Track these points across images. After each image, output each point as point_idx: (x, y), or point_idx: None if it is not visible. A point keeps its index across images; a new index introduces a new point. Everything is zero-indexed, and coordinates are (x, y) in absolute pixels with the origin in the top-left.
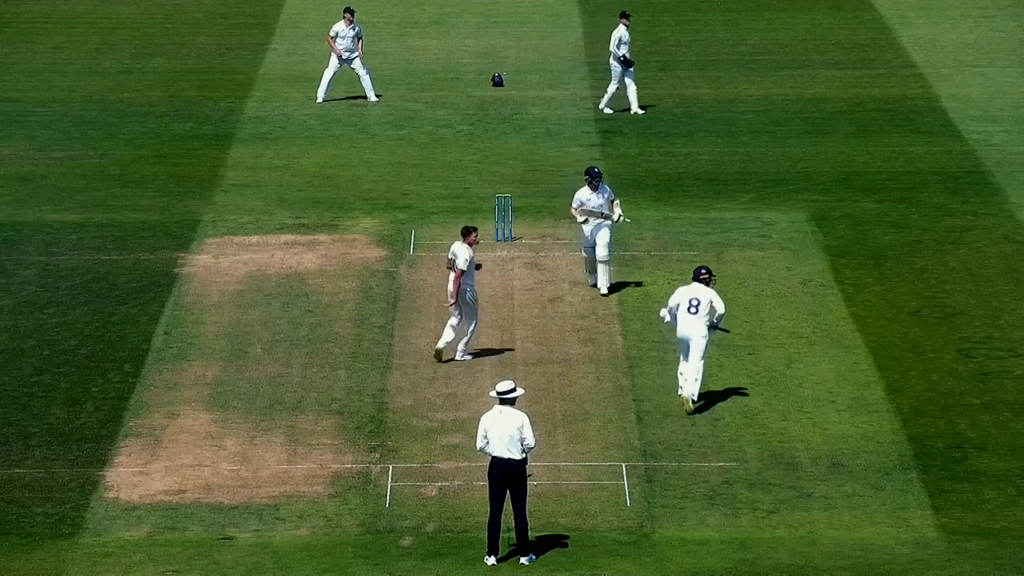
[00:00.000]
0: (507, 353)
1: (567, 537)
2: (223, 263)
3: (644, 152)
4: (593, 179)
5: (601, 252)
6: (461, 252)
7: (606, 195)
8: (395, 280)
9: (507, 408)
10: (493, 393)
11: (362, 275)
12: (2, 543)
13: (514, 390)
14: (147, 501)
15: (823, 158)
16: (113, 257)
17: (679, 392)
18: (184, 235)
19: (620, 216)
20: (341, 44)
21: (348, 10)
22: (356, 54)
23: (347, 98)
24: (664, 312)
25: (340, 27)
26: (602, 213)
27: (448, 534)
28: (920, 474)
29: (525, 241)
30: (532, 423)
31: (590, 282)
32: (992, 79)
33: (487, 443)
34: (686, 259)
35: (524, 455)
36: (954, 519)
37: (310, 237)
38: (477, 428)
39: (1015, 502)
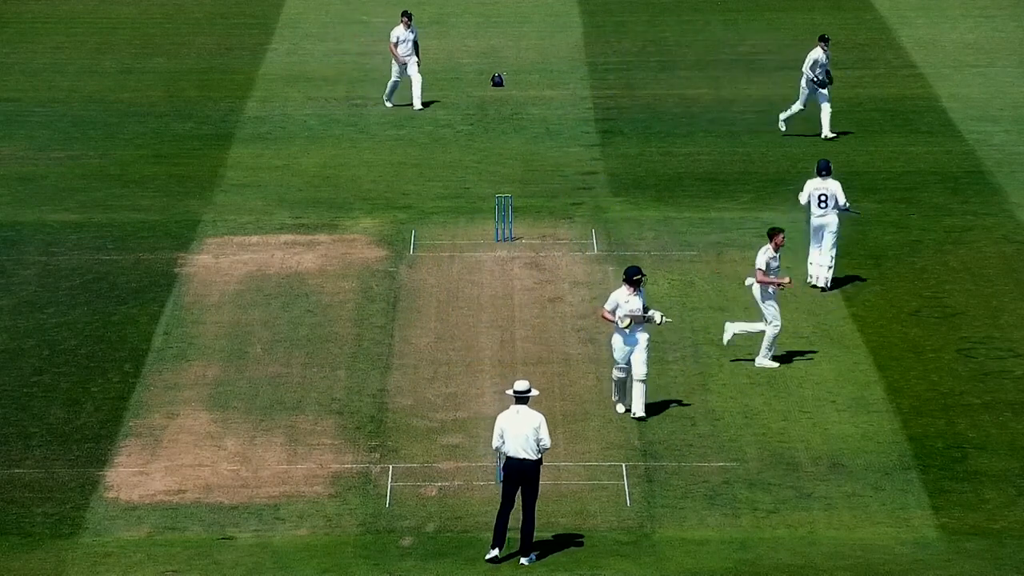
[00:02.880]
0: (505, 353)
1: (567, 537)
2: (223, 263)
3: (644, 152)
4: (631, 279)
5: (640, 371)
6: (759, 254)
7: (643, 298)
8: (395, 280)
9: (524, 408)
10: (510, 392)
11: (362, 275)
12: (2, 543)
13: (530, 390)
14: (147, 501)
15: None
16: (113, 257)
17: (808, 280)
18: (184, 235)
19: (662, 315)
20: (403, 49)
21: (406, 13)
22: (414, 58)
23: (347, 98)
24: (803, 201)
25: (400, 32)
26: (644, 317)
27: (448, 534)
28: (920, 474)
29: (525, 241)
30: (548, 424)
31: (619, 408)
32: (992, 79)
33: (503, 443)
34: (686, 259)
35: (539, 455)
36: (954, 519)
37: (310, 237)
38: (493, 427)
39: (1015, 502)
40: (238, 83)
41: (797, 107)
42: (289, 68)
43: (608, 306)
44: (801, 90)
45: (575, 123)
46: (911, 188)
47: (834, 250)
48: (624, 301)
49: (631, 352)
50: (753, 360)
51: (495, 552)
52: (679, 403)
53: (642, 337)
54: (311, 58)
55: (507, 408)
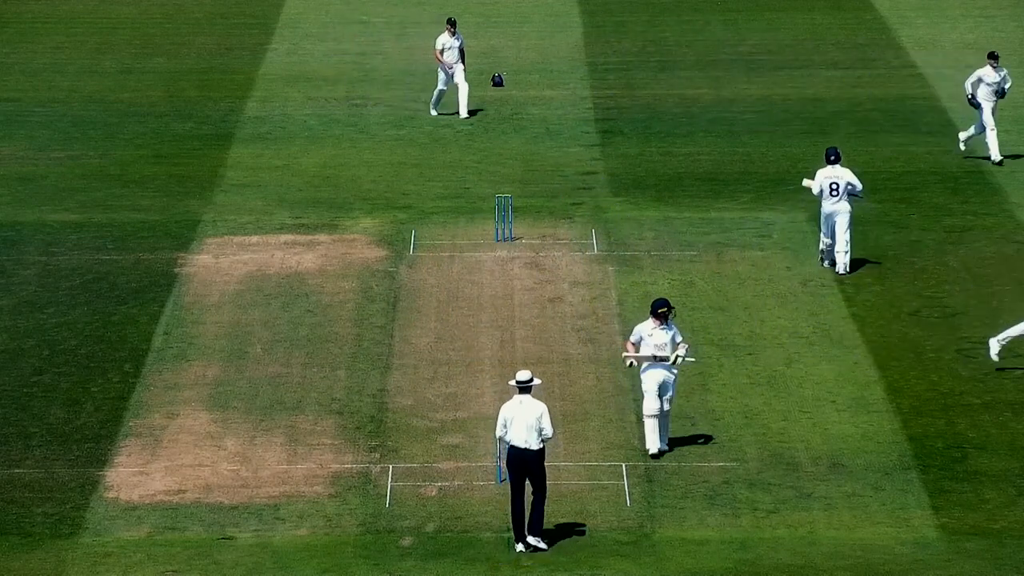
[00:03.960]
0: (505, 353)
1: (567, 536)
2: (223, 263)
3: (644, 152)
4: (656, 312)
5: (667, 405)
6: None
7: (672, 332)
8: (395, 280)
9: (527, 398)
10: (512, 382)
11: (362, 275)
12: (2, 543)
13: (532, 379)
14: (147, 501)
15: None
16: (113, 257)
17: (821, 263)
18: (184, 235)
19: (682, 358)
20: (448, 56)
21: (450, 21)
22: (460, 66)
23: (347, 98)
24: (815, 190)
25: (445, 39)
26: (655, 357)
27: (448, 534)
28: (920, 474)
29: (525, 241)
30: (551, 413)
31: (653, 448)
32: None
33: (506, 432)
34: (686, 259)
35: (542, 444)
36: (954, 519)
37: (310, 237)
38: (497, 416)
39: (1015, 502)
40: (238, 83)
41: (991, 132)
42: (289, 68)
43: (632, 339)
44: (980, 109)
45: (575, 123)
46: (911, 188)
47: (849, 233)
48: (648, 334)
49: (662, 385)
50: (753, 358)
51: (520, 547)
52: (679, 403)
53: (672, 375)
54: (311, 58)
55: (510, 398)
